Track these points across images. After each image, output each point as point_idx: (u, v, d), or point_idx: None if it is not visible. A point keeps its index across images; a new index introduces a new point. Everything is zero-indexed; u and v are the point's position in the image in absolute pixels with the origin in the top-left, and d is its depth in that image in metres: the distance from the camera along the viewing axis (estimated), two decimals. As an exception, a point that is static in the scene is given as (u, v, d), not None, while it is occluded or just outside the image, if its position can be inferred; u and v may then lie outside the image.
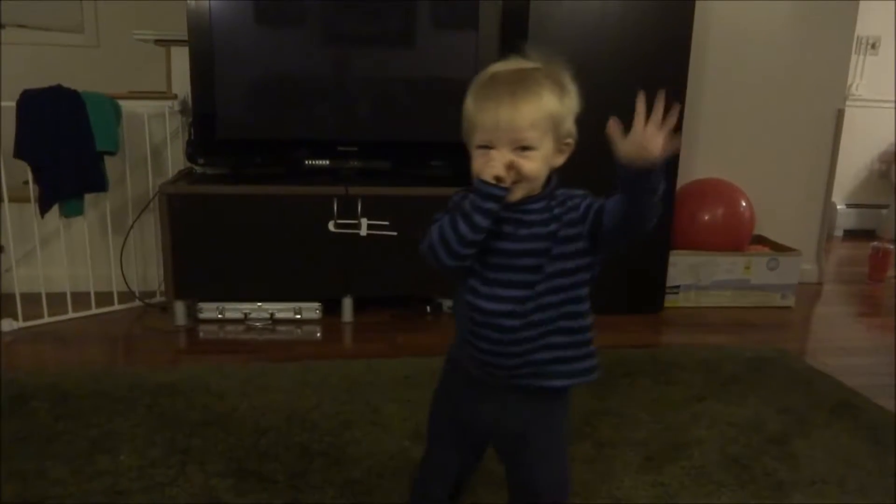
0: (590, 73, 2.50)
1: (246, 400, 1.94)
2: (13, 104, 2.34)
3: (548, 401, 1.14)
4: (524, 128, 0.99)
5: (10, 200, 2.54)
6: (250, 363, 2.22)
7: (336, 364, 2.20)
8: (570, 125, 1.06)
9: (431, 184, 2.60)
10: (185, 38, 2.56)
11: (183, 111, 2.80)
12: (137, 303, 2.74)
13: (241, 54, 2.56)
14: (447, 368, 1.25)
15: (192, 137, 2.66)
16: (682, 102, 2.67)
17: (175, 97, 2.81)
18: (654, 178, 0.95)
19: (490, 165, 0.99)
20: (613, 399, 2.03)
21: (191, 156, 2.69)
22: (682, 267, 2.91)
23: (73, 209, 2.49)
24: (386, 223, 2.52)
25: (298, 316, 2.62)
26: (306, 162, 2.68)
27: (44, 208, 2.42)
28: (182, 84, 2.79)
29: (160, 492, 1.52)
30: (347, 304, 2.63)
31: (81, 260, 2.68)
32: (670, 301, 2.93)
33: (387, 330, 2.58)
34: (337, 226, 2.50)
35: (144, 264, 2.87)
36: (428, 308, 2.77)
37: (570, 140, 1.07)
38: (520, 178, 1.01)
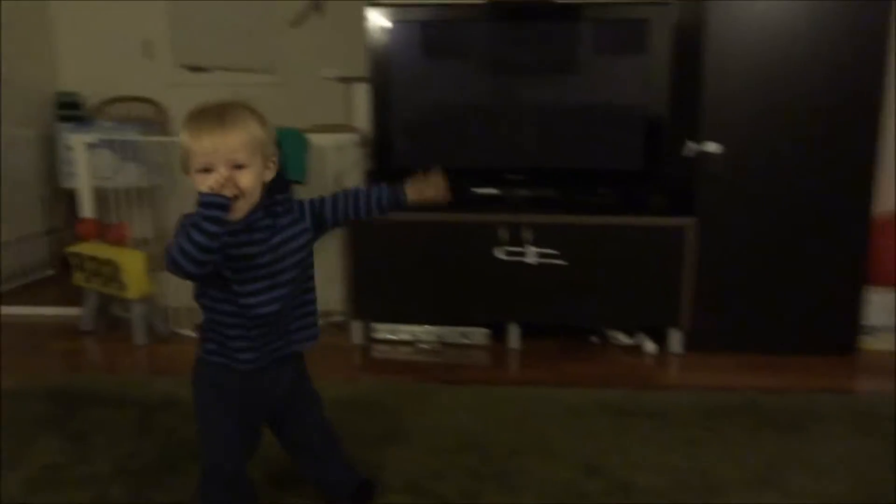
0: (773, 93, 2.40)
1: (418, 419, 2.01)
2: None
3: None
4: (236, 149, 1.19)
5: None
6: (421, 384, 2.30)
7: (504, 390, 2.22)
8: (272, 147, 1.27)
9: (600, 212, 2.58)
10: (366, 75, 2.75)
11: (362, 143, 2.99)
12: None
13: (415, 89, 2.70)
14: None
15: (370, 167, 2.83)
16: (878, 117, 2.43)
17: (355, 130, 3.01)
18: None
19: (209, 180, 1.17)
20: (803, 446, 1.88)
21: (368, 184, 2.85)
22: (881, 305, 2.63)
23: (266, 233, 2.73)
24: (554, 251, 2.53)
25: (466, 340, 2.69)
26: (475, 189, 2.75)
27: (243, 232, 2.67)
28: (362, 118, 2.99)
29: (344, 502, 1.60)
30: (514, 331, 2.65)
31: (271, 280, 2.92)
32: (867, 343, 2.65)
33: (553, 359, 2.57)
34: (505, 253, 2.54)
35: (324, 284, 3.06)
36: (594, 339, 2.73)
37: (274, 158, 1.27)
38: (238, 191, 1.18)
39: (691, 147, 2.47)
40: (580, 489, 1.66)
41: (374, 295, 2.65)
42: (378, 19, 2.61)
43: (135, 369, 2.42)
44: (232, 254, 1.24)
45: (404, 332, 2.71)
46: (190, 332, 2.77)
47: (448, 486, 1.67)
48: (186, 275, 1.19)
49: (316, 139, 2.85)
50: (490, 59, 2.70)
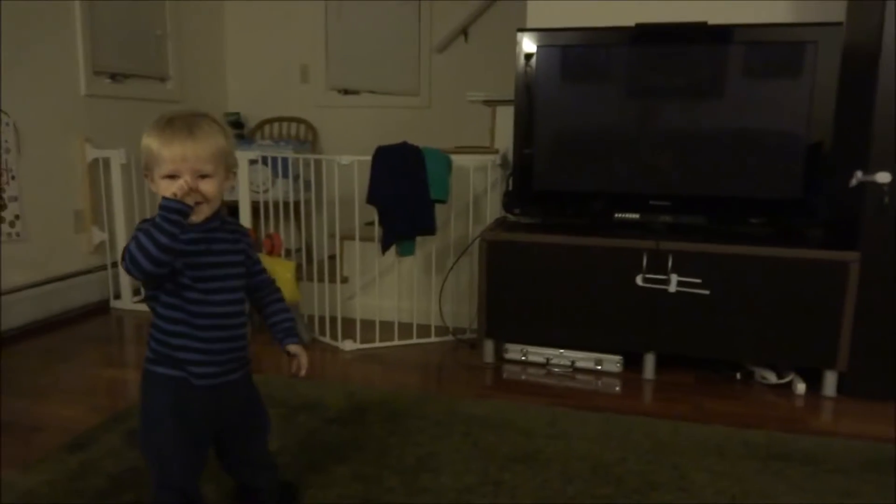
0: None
1: (551, 443, 1.99)
2: (369, 158, 2.76)
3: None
4: (204, 159, 1.25)
5: (360, 239, 2.98)
6: (553, 407, 2.27)
7: (639, 421, 2.15)
8: (233, 158, 1.33)
9: (750, 242, 2.45)
10: (509, 98, 2.79)
11: (503, 164, 3.03)
12: (450, 337, 2.99)
13: (557, 112, 2.70)
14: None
15: (510, 188, 2.86)
16: None
17: (497, 152, 3.06)
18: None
19: (173, 187, 1.23)
20: None
21: (507, 205, 2.88)
22: None
23: (407, 249, 2.83)
24: (697, 280, 2.43)
25: (599, 367, 2.63)
26: (616, 215, 2.70)
27: (385, 247, 2.78)
28: (503, 140, 3.04)
29: (476, 517, 1.61)
30: (650, 360, 2.57)
31: (408, 294, 3.02)
32: None
33: (691, 392, 2.46)
34: (645, 280, 2.47)
35: (457, 302, 3.13)
36: (738, 375, 2.58)
37: (235, 169, 1.35)
38: (201, 198, 1.26)
39: (859, 177, 2.30)
40: (723, 532, 1.57)
41: (507, 315, 2.66)
42: (526, 43, 2.65)
43: (279, 372, 2.57)
44: (192, 262, 1.30)
45: (536, 353, 2.70)
46: (331, 341, 2.91)
47: (581, 514, 1.64)
48: (142, 272, 1.23)
49: (458, 160, 2.92)
50: (637, 82, 2.65)
